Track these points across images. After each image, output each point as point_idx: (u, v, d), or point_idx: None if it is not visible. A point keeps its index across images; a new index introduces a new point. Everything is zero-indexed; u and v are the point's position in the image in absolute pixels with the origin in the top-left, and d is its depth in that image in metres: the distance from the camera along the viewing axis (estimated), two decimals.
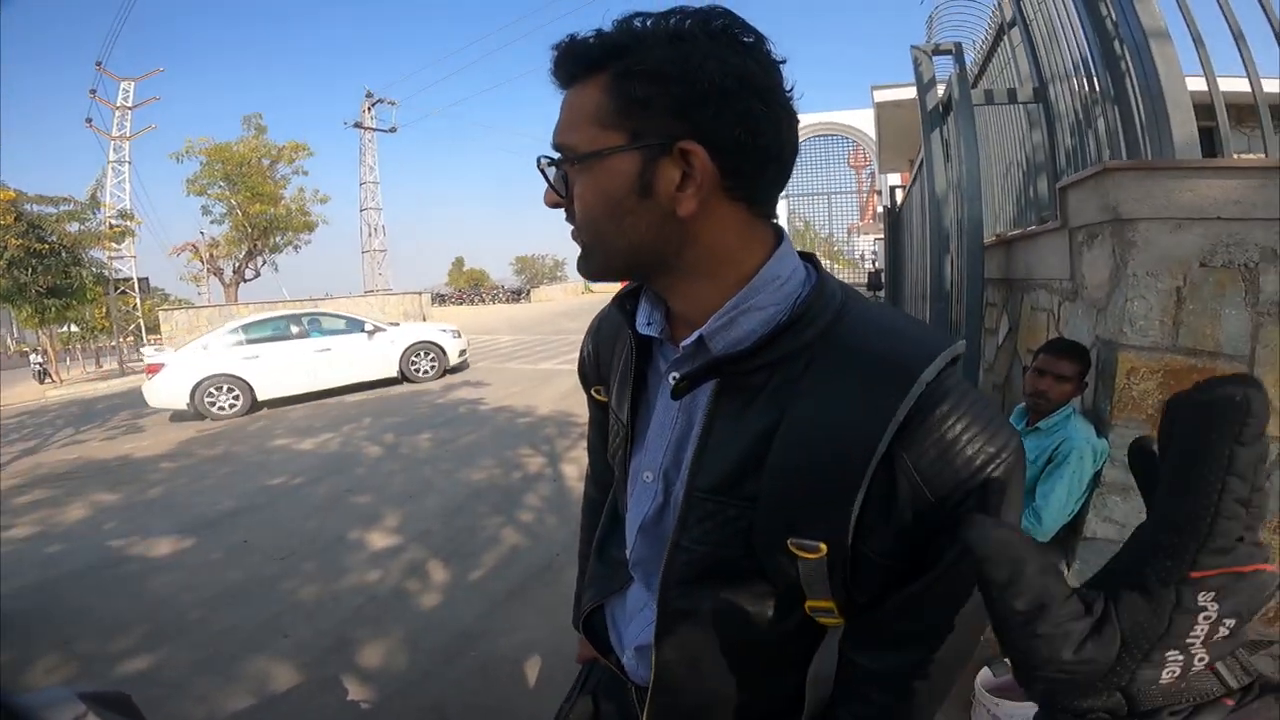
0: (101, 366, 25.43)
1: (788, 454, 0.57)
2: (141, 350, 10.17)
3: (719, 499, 0.61)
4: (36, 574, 3.81)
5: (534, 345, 13.79)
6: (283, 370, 9.33)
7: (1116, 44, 2.40)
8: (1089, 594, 0.37)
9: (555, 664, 2.53)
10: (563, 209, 0.61)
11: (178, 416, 9.48)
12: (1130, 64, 2.31)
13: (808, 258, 0.65)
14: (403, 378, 10.04)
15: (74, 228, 16.46)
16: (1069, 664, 0.35)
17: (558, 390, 8.33)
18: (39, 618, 3.25)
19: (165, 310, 22.27)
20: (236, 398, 9.03)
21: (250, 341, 9.32)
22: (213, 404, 8.89)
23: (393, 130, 33.97)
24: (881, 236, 12.41)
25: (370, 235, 33.16)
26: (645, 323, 0.67)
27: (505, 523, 4.00)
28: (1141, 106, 2.28)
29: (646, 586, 0.73)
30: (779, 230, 0.63)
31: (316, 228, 28.31)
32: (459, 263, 65.39)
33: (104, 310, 21.62)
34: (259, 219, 26.08)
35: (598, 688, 0.92)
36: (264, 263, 28.11)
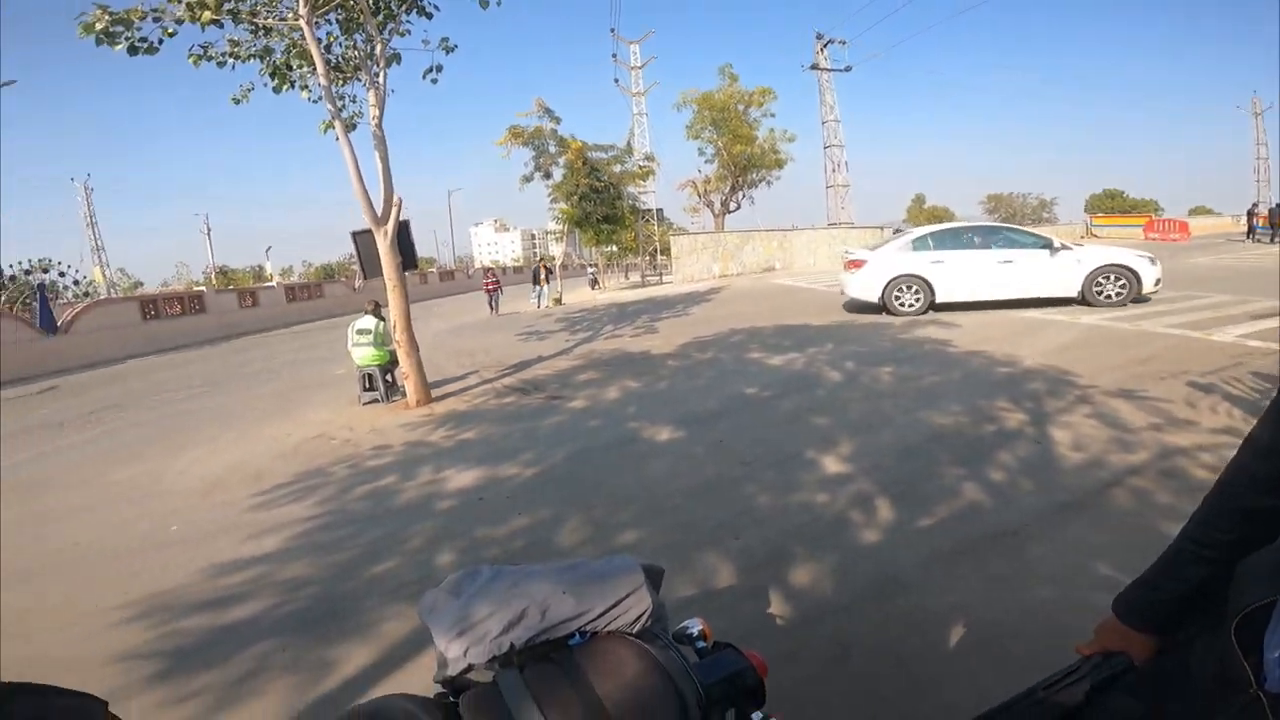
0: (628, 279, 32.86)
1: None
2: (847, 252, 11.78)
3: None
4: (581, 443, 5.10)
5: None
6: (962, 277, 10.02)
7: None
8: None
9: (986, 637, 2.26)
10: None
11: (853, 306, 11.15)
12: None
13: None
14: (1083, 299, 9.54)
15: (617, 169, 21.10)
16: None
17: (1050, 343, 7.11)
18: (574, 482, 4.26)
19: (673, 235, 27.03)
20: (918, 297, 10.16)
21: (935, 248, 10.25)
22: (899, 300, 10.23)
23: (847, 69, 33.21)
24: None
25: (834, 171, 33.48)
26: None
27: (967, 476, 3.65)
28: None
29: None
30: None
31: (785, 165, 30.63)
32: (919, 199, 61.45)
33: (634, 235, 27.54)
34: (739, 158, 29.50)
35: (1108, 683, 0.91)
36: (743, 196, 31.77)
